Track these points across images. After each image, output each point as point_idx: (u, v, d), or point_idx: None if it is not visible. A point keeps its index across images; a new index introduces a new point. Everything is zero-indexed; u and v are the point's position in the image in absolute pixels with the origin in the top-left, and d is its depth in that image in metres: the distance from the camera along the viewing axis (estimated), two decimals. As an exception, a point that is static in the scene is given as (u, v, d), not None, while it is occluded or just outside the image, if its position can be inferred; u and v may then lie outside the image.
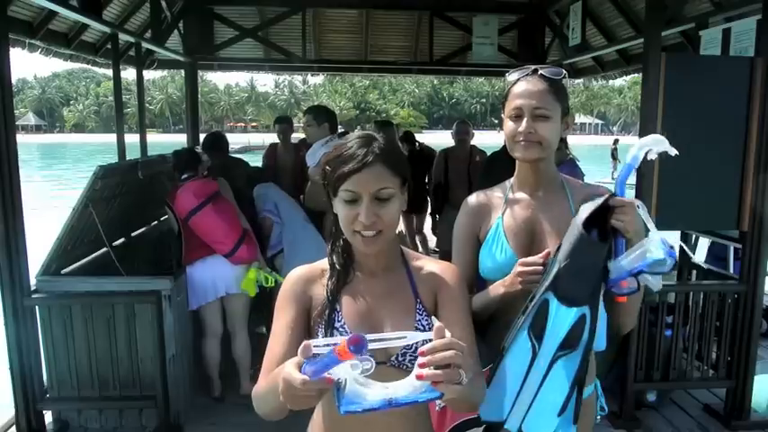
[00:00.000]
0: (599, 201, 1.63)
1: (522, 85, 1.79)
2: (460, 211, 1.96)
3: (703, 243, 5.58)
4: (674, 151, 1.71)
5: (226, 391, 4.23)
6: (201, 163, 4.21)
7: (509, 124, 1.80)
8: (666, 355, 3.82)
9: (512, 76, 1.83)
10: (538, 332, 1.63)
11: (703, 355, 3.94)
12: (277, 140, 6.24)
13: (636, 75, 6.83)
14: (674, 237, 4.87)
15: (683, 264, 4.78)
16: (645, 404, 4.00)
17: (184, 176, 4.07)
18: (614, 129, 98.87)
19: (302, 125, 4.93)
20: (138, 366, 3.66)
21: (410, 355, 1.41)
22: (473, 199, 1.95)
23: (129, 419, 3.80)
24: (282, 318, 1.47)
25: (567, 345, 1.62)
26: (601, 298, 1.66)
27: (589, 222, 1.62)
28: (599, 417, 1.97)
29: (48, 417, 3.76)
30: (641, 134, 3.58)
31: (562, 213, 1.81)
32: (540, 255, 1.69)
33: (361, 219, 1.37)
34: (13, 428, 3.64)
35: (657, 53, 3.50)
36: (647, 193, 3.55)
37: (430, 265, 1.57)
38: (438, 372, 1.04)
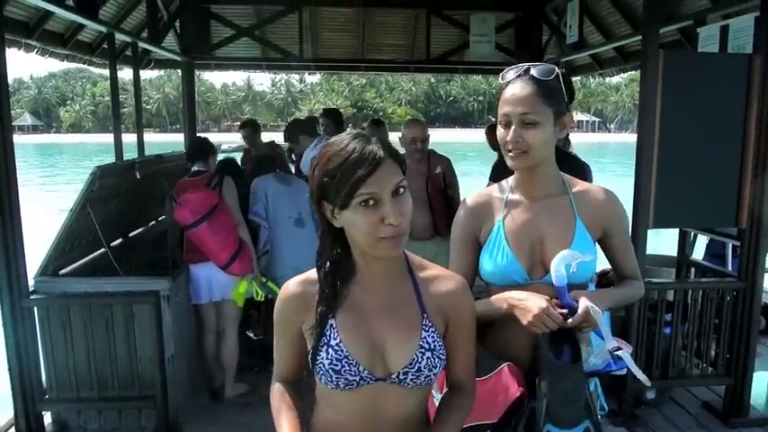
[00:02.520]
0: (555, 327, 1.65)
1: (510, 89, 1.75)
2: (458, 212, 1.93)
3: (702, 241, 5.58)
4: (591, 256, 1.74)
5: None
6: (214, 154, 4.29)
7: (499, 131, 1.78)
8: (665, 352, 3.82)
9: (505, 76, 1.80)
10: None
11: (702, 352, 3.94)
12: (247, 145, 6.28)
13: (633, 72, 6.84)
14: (673, 234, 4.88)
15: (682, 261, 4.79)
16: (644, 402, 4.01)
17: (194, 169, 4.18)
18: (611, 126, 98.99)
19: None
20: (137, 366, 3.66)
21: (412, 374, 1.38)
22: (472, 199, 1.92)
23: (128, 420, 3.79)
24: (281, 338, 1.49)
25: None
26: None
27: (557, 341, 1.65)
28: (599, 416, 1.97)
29: (47, 418, 3.75)
30: (639, 131, 3.58)
31: (564, 216, 1.80)
32: (562, 312, 1.65)
33: (391, 221, 1.26)
34: (12, 429, 3.63)
35: (655, 50, 3.50)
36: (645, 192, 3.55)
37: (439, 277, 1.48)
38: None
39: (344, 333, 1.38)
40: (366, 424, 1.43)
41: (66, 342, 3.61)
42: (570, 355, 1.67)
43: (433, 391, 1.70)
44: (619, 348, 1.65)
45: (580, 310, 1.61)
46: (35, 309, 3.57)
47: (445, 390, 1.64)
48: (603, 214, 1.83)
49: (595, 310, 1.60)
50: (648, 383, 1.69)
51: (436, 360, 1.40)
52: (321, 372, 1.38)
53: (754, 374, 3.86)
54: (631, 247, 1.95)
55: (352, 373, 1.36)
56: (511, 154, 1.75)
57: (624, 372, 1.79)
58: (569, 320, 1.62)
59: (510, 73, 1.78)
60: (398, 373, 1.37)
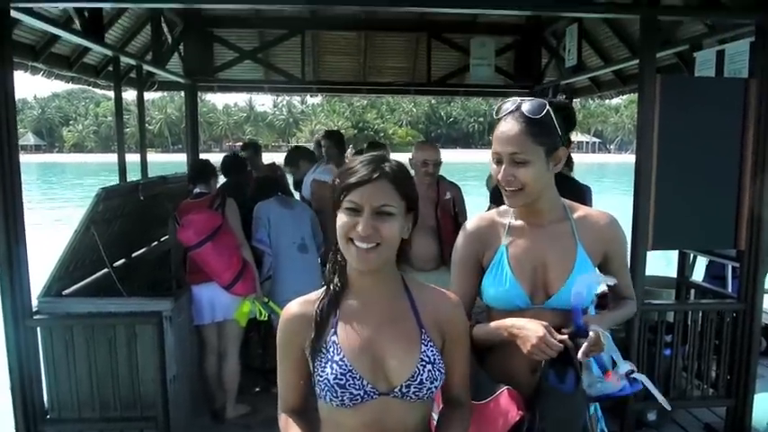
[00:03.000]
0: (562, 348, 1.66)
1: (501, 126, 1.76)
2: (459, 237, 1.95)
3: (702, 262, 5.60)
4: (613, 280, 1.79)
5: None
6: (215, 176, 4.34)
7: (492, 166, 1.80)
8: (666, 373, 3.83)
9: (499, 111, 1.80)
10: None
11: (703, 373, 3.95)
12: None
13: (632, 94, 6.90)
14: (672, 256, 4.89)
15: (681, 283, 4.81)
16: (645, 423, 4.00)
17: (196, 191, 4.23)
18: (611, 147, 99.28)
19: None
20: (139, 387, 3.66)
21: (414, 387, 1.42)
22: (474, 224, 1.94)
23: (129, 440, 3.78)
24: (285, 360, 1.51)
25: None
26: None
27: (560, 364, 1.67)
28: None
29: (48, 438, 3.74)
30: (637, 153, 3.62)
31: (565, 243, 1.83)
32: (563, 334, 1.68)
33: (359, 229, 1.38)
34: (14, 450, 3.63)
35: (652, 75, 3.56)
36: (644, 213, 3.58)
37: (433, 294, 1.56)
38: None
39: (347, 349, 1.43)
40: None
41: (68, 362, 3.62)
42: (573, 379, 1.68)
43: (433, 414, 1.71)
44: (633, 371, 1.67)
45: (591, 334, 1.64)
46: (38, 329, 3.58)
47: (441, 406, 1.66)
48: (604, 239, 1.87)
49: (605, 334, 1.64)
50: (668, 407, 1.69)
51: (437, 373, 1.45)
52: (326, 388, 1.41)
53: (755, 396, 3.85)
54: (628, 267, 2.00)
55: (357, 387, 1.40)
56: (506, 192, 1.78)
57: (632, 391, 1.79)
58: (583, 346, 1.64)
59: (503, 108, 1.79)
60: (401, 386, 1.41)
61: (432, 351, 1.45)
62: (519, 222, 1.88)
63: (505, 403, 1.72)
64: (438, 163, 4.00)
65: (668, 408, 1.67)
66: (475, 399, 1.70)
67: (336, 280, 1.51)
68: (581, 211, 1.90)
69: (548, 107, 1.74)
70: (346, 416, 1.44)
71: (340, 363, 1.41)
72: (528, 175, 1.72)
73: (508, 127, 1.73)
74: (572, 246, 1.81)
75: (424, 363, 1.42)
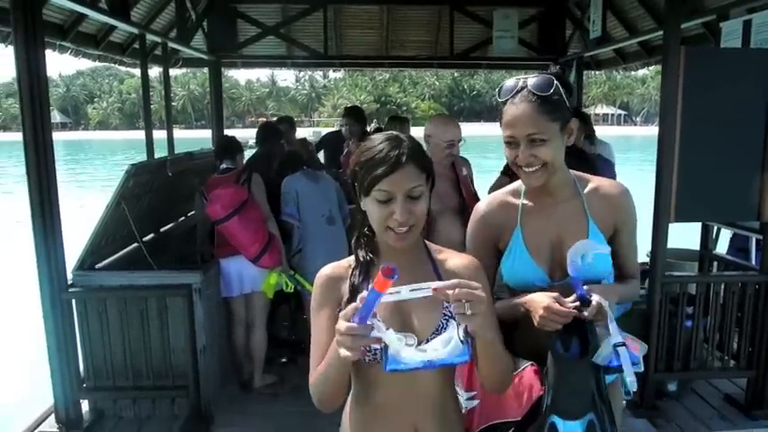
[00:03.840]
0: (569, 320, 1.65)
1: (510, 110, 1.71)
2: (472, 220, 1.94)
3: (726, 235, 5.57)
4: (607, 249, 1.73)
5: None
6: (241, 152, 4.41)
7: (506, 149, 1.76)
8: (687, 345, 3.85)
9: (501, 93, 1.75)
10: None
11: (724, 345, 3.97)
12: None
13: (658, 65, 6.82)
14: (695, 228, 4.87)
15: (704, 255, 4.80)
16: (665, 394, 4.04)
17: (223, 166, 4.33)
18: (637, 119, 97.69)
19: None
20: (171, 357, 3.79)
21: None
22: (486, 207, 1.92)
23: (161, 408, 3.92)
24: (318, 322, 1.55)
25: None
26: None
27: (567, 333, 1.65)
28: (624, 401, 1.98)
29: (84, 405, 3.89)
30: (661, 126, 3.61)
31: (577, 220, 1.82)
32: (571, 303, 1.66)
33: (397, 217, 1.44)
34: (52, 417, 3.79)
35: (677, 46, 3.52)
36: (667, 186, 3.58)
37: (454, 258, 1.61)
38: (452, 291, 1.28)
39: (379, 309, 1.47)
40: (402, 401, 1.54)
41: (102, 333, 3.75)
42: (578, 347, 1.67)
43: (457, 388, 1.77)
44: (622, 345, 1.63)
45: (593, 303, 1.63)
46: (73, 301, 3.71)
47: (474, 392, 1.72)
48: (614, 210, 1.85)
49: (608, 304, 1.63)
50: (633, 388, 1.60)
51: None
52: None
53: (777, 367, 3.87)
54: (636, 246, 1.97)
55: None
56: (526, 171, 1.75)
57: (637, 370, 1.71)
58: (585, 312, 1.63)
59: (506, 89, 1.73)
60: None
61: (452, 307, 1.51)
62: (531, 202, 1.86)
63: (529, 379, 1.75)
64: (460, 140, 3.55)
65: (632, 388, 1.60)
66: None
67: (366, 253, 1.56)
68: (592, 183, 1.88)
69: (555, 81, 1.70)
70: (376, 371, 1.50)
71: (371, 321, 1.48)
72: (548, 152, 1.70)
73: (520, 109, 1.68)
74: (583, 222, 1.81)
75: (446, 317, 1.48)
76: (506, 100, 1.72)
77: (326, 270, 1.59)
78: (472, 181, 3.78)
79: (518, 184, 1.89)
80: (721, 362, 3.99)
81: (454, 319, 1.35)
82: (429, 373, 1.52)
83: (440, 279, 1.55)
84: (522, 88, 1.70)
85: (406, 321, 1.51)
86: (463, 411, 1.77)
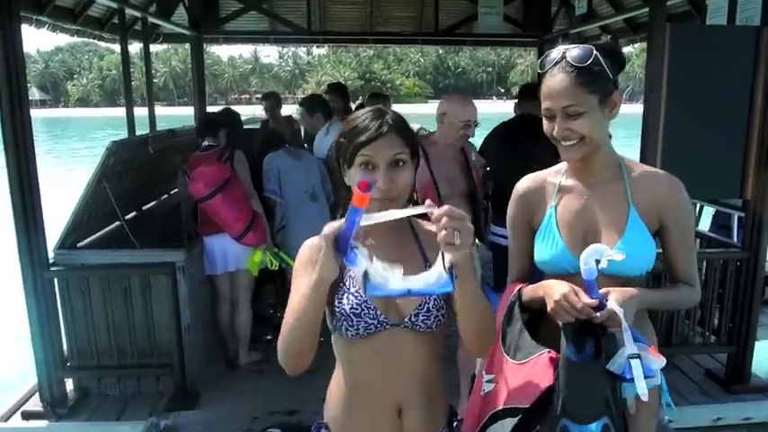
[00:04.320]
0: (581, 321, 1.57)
1: (548, 80, 1.65)
2: (511, 199, 1.88)
3: (709, 212, 5.63)
4: (620, 256, 1.55)
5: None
6: (223, 129, 4.35)
7: (544, 122, 1.70)
8: (669, 321, 3.90)
9: (543, 65, 1.69)
10: None
11: (705, 321, 4.02)
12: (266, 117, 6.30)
13: (643, 43, 6.81)
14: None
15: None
16: (646, 368, 4.08)
17: (205, 144, 4.27)
18: (623, 97, 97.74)
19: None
20: (155, 335, 3.77)
21: (423, 315, 1.50)
22: (523, 185, 1.86)
23: (146, 386, 3.91)
24: (300, 285, 1.51)
25: None
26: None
27: (581, 334, 1.58)
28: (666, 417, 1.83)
29: (69, 384, 3.87)
30: (645, 103, 3.61)
31: (617, 204, 1.72)
32: (588, 301, 1.57)
33: (380, 185, 1.44)
34: (37, 395, 3.77)
35: (662, 23, 3.52)
36: (651, 163, 3.59)
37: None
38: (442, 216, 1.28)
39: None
40: (386, 377, 1.55)
41: (85, 312, 3.72)
42: (592, 350, 1.58)
43: (477, 371, 1.80)
44: (636, 357, 1.54)
45: (607, 308, 1.55)
46: (56, 280, 3.67)
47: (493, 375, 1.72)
48: (660, 202, 1.73)
49: (623, 311, 1.54)
50: (645, 398, 1.50)
51: (442, 302, 1.52)
52: (342, 317, 1.50)
53: (756, 343, 3.93)
54: (693, 248, 1.83)
55: (371, 317, 1.49)
56: (563, 145, 1.68)
57: (651, 386, 1.58)
58: (597, 314, 1.55)
59: (548, 59, 1.67)
60: (410, 315, 1.49)
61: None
62: (570, 182, 1.78)
63: (545, 366, 1.66)
64: (476, 123, 3.38)
65: (644, 399, 1.50)
66: (515, 359, 1.70)
67: None
68: (641, 170, 1.77)
69: (595, 52, 1.63)
70: (361, 349, 1.53)
71: (355, 294, 1.50)
72: (585, 126, 1.63)
73: (557, 80, 1.63)
74: (624, 207, 1.71)
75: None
76: (546, 71, 1.67)
77: (311, 241, 1.58)
78: (480, 166, 3.71)
79: (564, 163, 1.82)
80: (702, 338, 4.05)
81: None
82: (412, 348, 1.53)
83: (424, 257, 1.56)
84: (562, 59, 1.64)
85: (390, 300, 1.51)
86: (482, 394, 1.76)
